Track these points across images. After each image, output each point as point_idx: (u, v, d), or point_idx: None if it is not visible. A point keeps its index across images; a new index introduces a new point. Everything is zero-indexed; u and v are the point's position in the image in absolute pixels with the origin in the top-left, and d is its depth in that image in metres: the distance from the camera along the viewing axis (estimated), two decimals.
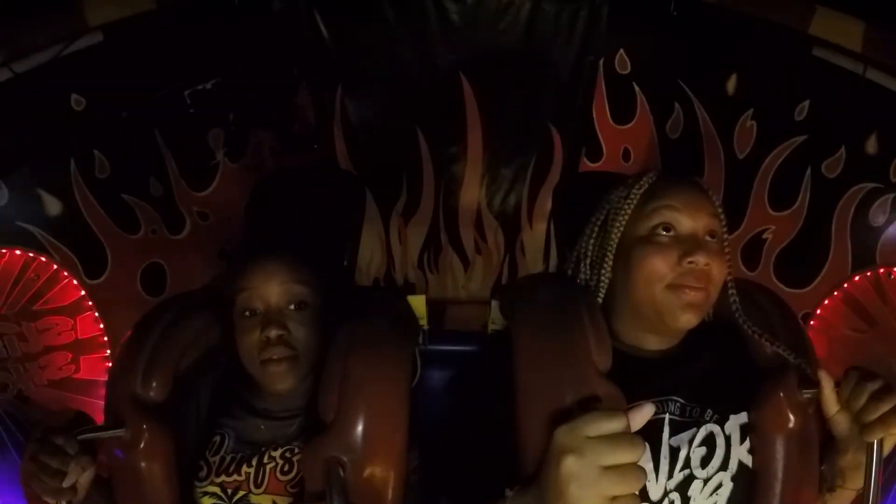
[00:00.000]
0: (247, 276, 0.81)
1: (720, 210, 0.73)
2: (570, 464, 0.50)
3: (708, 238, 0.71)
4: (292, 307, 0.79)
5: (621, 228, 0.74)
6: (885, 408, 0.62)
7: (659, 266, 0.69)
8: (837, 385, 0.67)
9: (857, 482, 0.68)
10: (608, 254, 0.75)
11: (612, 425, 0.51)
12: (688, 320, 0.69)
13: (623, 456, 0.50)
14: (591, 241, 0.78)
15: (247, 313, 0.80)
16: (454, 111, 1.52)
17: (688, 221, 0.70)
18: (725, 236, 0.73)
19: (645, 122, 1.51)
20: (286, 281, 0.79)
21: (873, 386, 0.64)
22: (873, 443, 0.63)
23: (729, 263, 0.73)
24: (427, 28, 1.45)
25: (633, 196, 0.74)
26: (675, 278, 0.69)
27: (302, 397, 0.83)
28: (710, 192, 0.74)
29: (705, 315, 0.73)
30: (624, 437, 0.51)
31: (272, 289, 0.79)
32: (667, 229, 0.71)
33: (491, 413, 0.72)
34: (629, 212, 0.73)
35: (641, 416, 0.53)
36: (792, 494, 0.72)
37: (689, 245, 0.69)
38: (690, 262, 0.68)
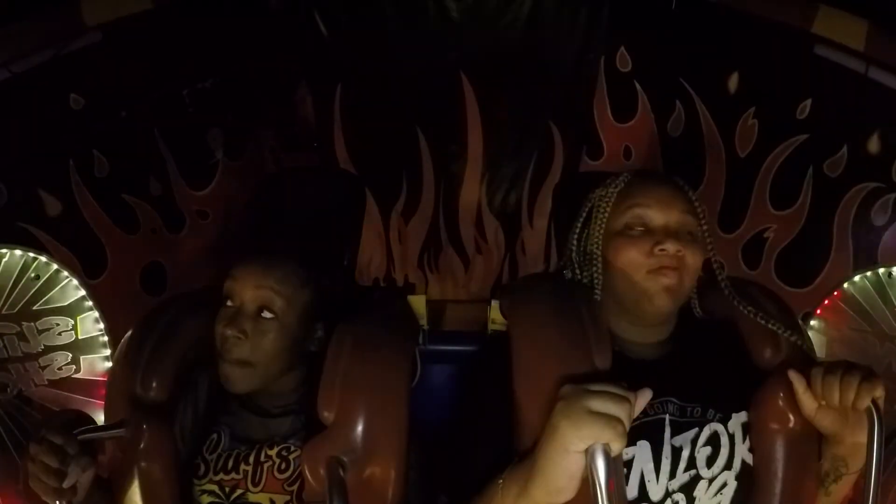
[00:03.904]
0: (237, 266, 0.81)
1: (696, 205, 0.77)
2: (563, 405, 0.58)
3: (681, 230, 0.74)
4: (261, 314, 0.79)
5: (602, 226, 0.77)
6: (856, 381, 0.64)
7: (634, 255, 0.73)
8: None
9: (860, 463, 0.69)
10: (595, 250, 0.77)
11: (611, 387, 0.57)
12: (665, 303, 0.73)
13: (610, 407, 0.56)
14: (576, 238, 0.80)
15: (228, 302, 0.80)
16: (454, 110, 1.51)
17: (659, 216, 0.74)
18: (705, 228, 0.77)
19: (646, 120, 1.50)
20: (262, 286, 0.79)
21: (839, 372, 0.66)
22: (871, 410, 0.64)
23: (711, 248, 0.76)
24: (427, 26, 1.44)
25: (610, 195, 0.78)
26: (651, 265, 0.72)
27: (292, 393, 0.83)
28: (686, 189, 0.77)
29: (681, 301, 0.76)
30: (615, 395, 0.56)
31: (248, 290, 0.79)
32: (639, 224, 0.75)
33: (491, 413, 0.73)
34: (608, 210, 0.77)
35: (642, 398, 0.58)
36: (792, 493, 0.72)
37: (659, 235, 0.73)
38: (662, 250, 0.72)
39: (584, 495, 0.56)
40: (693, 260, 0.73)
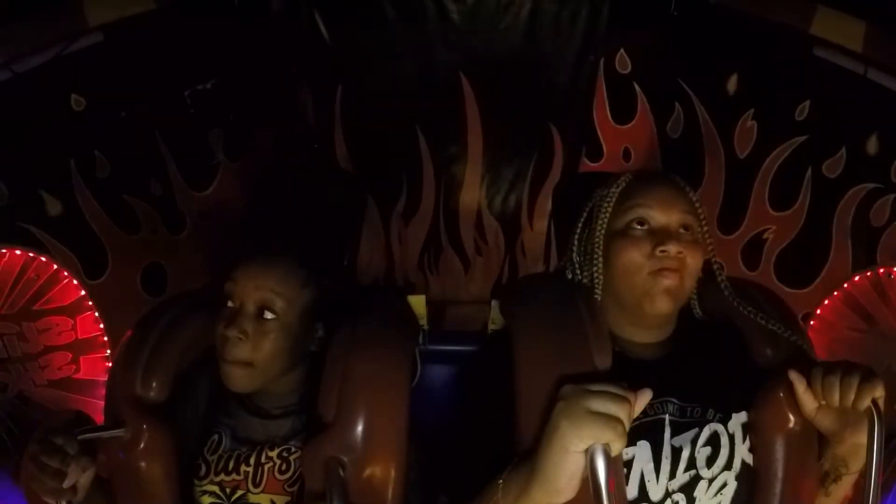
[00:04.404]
0: (237, 267, 0.81)
1: (697, 206, 0.77)
2: (563, 405, 0.58)
3: (682, 230, 0.74)
4: (262, 314, 0.79)
5: (603, 226, 0.77)
6: (856, 381, 0.64)
7: (635, 256, 0.73)
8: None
9: (860, 463, 0.69)
10: (596, 250, 0.77)
11: (611, 387, 0.57)
12: (664, 305, 0.73)
13: (610, 407, 0.55)
14: (577, 239, 0.80)
15: (228, 303, 0.80)
16: (454, 111, 1.52)
17: (660, 216, 0.74)
18: (705, 228, 0.77)
19: (645, 121, 1.50)
20: (263, 287, 0.79)
21: (839, 372, 0.66)
22: (871, 410, 0.64)
23: (711, 249, 0.77)
24: (427, 28, 1.44)
25: (611, 195, 0.77)
26: (652, 266, 0.72)
27: (292, 393, 0.83)
28: (687, 189, 0.78)
29: (681, 302, 0.76)
30: (615, 395, 0.56)
31: (249, 290, 0.79)
32: (640, 223, 0.75)
33: (490, 413, 0.73)
34: (609, 210, 0.77)
35: (642, 398, 0.58)
36: (792, 493, 0.72)
37: (661, 236, 0.73)
38: (663, 251, 0.72)
39: (584, 495, 0.56)
40: (693, 261, 0.73)
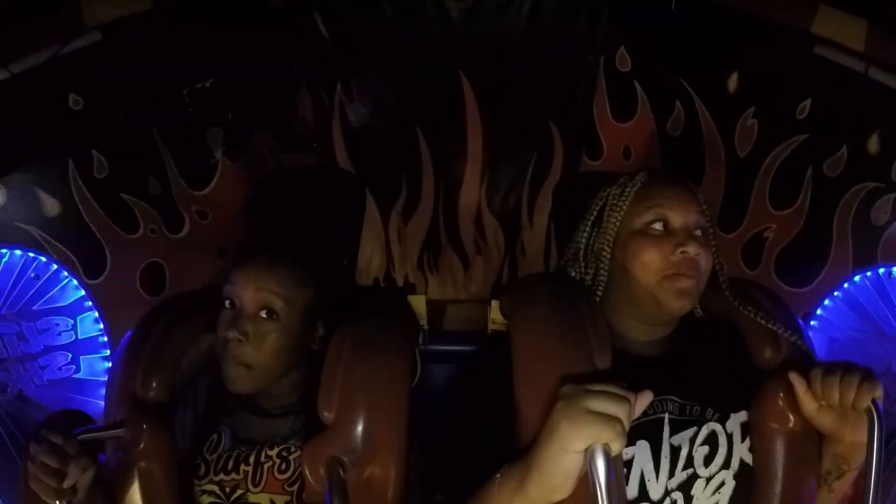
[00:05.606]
0: (235, 269, 0.82)
1: (705, 208, 0.78)
2: (562, 405, 0.58)
3: (698, 232, 0.75)
4: (262, 315, 0.79)
5: (617, 225, 0.77)
6: (856, 381, 0.65)
7: (655, 256, 0.74)
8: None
9: (861, 459, 0.69)
10: (606, 248, 0.77)
11: (611, 387, 0.57)
12: (681, 306, 0.74)
13: (609, 407, 0.56)
14: (585, 236, 0.80)
15: (227, 303, 0.81)
16: (454, 110, 1.51)
17: (679, 217, 0.75)
18: (711, 231, 0.78)
19: (646, 120, 1.50)
20: (262, 288, 0.79)
21: (839, 372, 0.66)
22: (870, 409, 0.65)
23: (715, 250, 0.78)
24: (427, 26, 1.44)
25: (627, 194, 0.78)
26: (670, 268, 0.73)
27: (293, 394, 0.84)
28: (697, 192, 0.79)
29: (695, 303, 0.77)
30: (615, 395, 0.56)
31: (248, 292, 0.79)
32: (660, 224, 0.75)
33: (490, 412, 0.73)
34: (625, 208, 0.77)
35: (643, 399, 0.58)
36: (792, 493, 0.72)
37: (681, 237, 0.74)
38: (683, 252, 0.73)
39: (583, 494, 0.56)
40: (706, 263, 0.74)
